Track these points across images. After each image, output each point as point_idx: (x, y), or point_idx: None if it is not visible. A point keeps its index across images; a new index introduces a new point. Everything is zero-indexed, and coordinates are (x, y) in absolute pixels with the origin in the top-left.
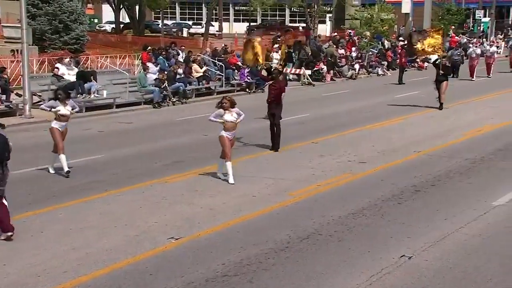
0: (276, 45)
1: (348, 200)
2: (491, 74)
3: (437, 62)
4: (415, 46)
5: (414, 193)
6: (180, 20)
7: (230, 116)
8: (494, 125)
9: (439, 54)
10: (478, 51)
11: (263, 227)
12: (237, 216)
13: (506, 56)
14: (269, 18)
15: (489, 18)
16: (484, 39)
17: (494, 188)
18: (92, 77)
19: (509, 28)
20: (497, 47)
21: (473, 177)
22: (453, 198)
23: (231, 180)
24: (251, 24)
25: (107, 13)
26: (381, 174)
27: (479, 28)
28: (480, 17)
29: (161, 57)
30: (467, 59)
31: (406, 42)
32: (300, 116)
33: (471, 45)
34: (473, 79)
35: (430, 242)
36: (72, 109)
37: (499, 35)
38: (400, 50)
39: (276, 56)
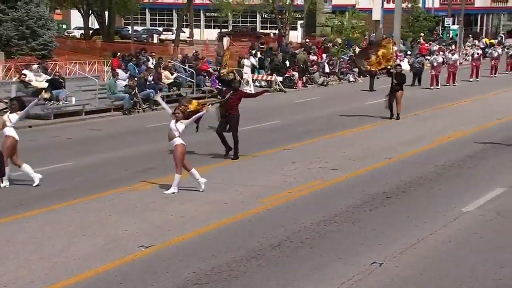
0: (252, 51)
1: (320, 207)
2: (455, 83)
3: (391, 71)
4: (369, 60)
5: (385, 200)
6: (151, 26)
7: (173, 124)
8: (463, 131)
9: (391, 64)
10: (440, 59)
11: (235, 235)
12: (209, 223)
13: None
14: (240, 24)
15: (458, 26)
16: (454, 46)
17: (463, 195)
18: (61, 83)
19: (471, 36)
20: (466, 54)
21: (443, 184)
22: (423, 204)
23: (167, 192)
24: (222, 30)
25: (76, 18)
26: (352, 180)
27: (448, 35)
28: (449, 24)
29: (131, 63)
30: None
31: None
32: (272, 123)
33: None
34: (437, 87)
35: (401, 248)
36: (12, 121)
37: (467, 43)
38: None
39: (247, 63)
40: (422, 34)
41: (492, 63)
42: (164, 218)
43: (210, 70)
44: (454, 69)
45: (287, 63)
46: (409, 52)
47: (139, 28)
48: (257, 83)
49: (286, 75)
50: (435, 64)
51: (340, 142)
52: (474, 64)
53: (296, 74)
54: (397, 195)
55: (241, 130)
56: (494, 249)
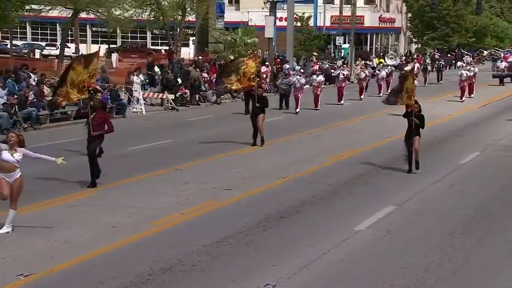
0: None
1: (213, 228)
2: (318, 106)
3: (252, 92)
4: (230, 78)
5: (279, 220)
6: (32, 40)
7: (8, 155)
8: (355, 150)
9: (254, 83)
10: (303, 80)
11: (124, 259)
12: (95, 248)
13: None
14: (129, 40)
15: (349, 45)
16: (345, 65)
17: (355, 213)
18: None
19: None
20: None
21: (336, 203)
22: (317, 224)
23: (3, 230)
24: (111, 46)
25: None
26: (246, 200)
27: (340, 54)
28: (340, 43)
29: (9, 80)
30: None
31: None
32: (163, 142)
33: (335, 70)
34: (296, 110)
35: (295, 269)
36: None
37: (358, 61)
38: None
39: (136, 80)
40: (315, 53)
41: (360, 84)
42: (46, 243)
43: (98, 87)
44: (319, 92)
45: (179, 80)
46: (302, 70)
47: (19, 43)
48: (147, 101)
49: (179, 92)
50: (297, 85)
51: (233, 162)
52: (338, 85)
53: (188, 92)
54: (291, 214)
55: (132, 150)
56: (384, 267)
